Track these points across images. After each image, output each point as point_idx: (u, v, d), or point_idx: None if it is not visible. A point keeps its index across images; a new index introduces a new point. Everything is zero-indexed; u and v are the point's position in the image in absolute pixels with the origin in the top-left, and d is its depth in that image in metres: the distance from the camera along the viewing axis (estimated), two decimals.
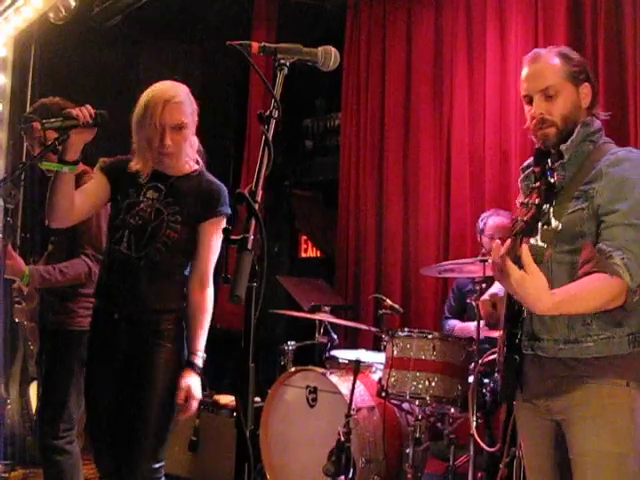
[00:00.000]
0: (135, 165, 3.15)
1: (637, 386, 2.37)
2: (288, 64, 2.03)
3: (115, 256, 3.12)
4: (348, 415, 4.08)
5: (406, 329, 4.26)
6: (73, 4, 5.60)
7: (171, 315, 3.08)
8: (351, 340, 5.90)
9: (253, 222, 1.69)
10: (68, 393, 3.71)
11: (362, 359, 4.39)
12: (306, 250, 8.00)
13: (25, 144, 5.75)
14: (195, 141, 3.19)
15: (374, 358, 4.73)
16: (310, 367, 4.60)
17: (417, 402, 4.08)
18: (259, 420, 4.65)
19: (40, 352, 4.05)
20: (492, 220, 4.72)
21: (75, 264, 3.71)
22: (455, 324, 4.88)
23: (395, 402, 4.33)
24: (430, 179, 5.88)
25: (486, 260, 4.02)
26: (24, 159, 5.72)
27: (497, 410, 4.44)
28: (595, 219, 2.38)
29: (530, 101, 2.54)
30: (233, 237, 1.69)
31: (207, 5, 6.49)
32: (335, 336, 4.92)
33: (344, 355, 4.79)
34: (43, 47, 6.19)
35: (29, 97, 6.05)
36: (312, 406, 4.52)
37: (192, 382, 3.00)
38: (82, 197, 3.12)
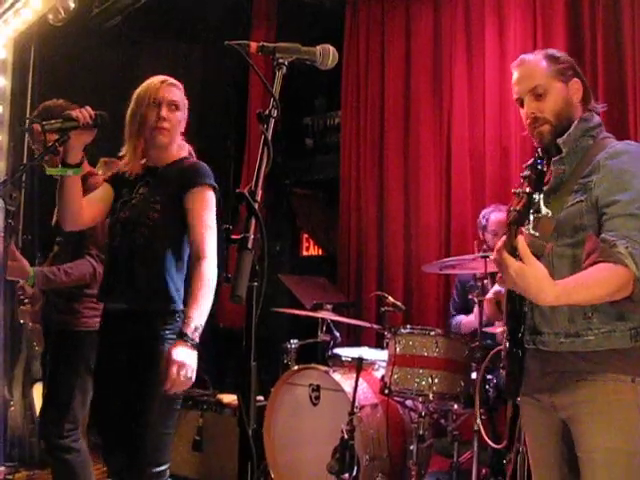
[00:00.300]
0: (124, 164, 3.21)
1: None
2: (287, 63, 2.03)
3: (110, 252, 3.18)
4: (351, 413, 4.08)
5: (408, 326, 4.26)
6: (72, 5, 5.60)
7: (167, 305, 3.03)
8: (353, 338, 5.91)
9: (253, 221, 1.69)
10: (73, 394, 3.71)
11: (365, 357, 4.39)
12: (307, 248, 8.01)
13: (25, 146, 5.78)
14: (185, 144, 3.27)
15: (377, 355, 4.73)
16: (313, 365, 4.60)
17: (420, 399, 4.08)
18: (262, 419, 4.65)
19: (45, 353, 4.05)
20: (494, 216, 4.72)
21: (80, 264, 3.72)
22: (461, 319, 4.88)
23: (398, 399, 4.33)
24: (430, 175, 5.89)
25: (487, 256, 4.02)
26: (25, 161, 5.74)
27: (501, 406, 4.45)
28: (595, 211, 2.38)
29: (523, 104, 2.59)
30: (233, 237, 1.70)
31: (206, 5, 6.49)
32: (337, 334, 4.93)
33: (347, 353, 4.80)
34: (43, 49, 6.19)
35: (29, 99, 6.06)
36: (315, 404, 4.52)
37: (181, 354, 2.83)
38: (91, 203, 3.20)
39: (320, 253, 7.93)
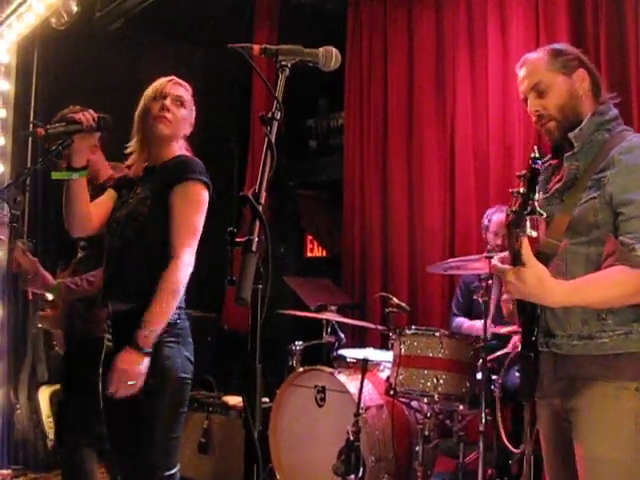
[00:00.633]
0: (132, 160, 3.18)
1: None
2: (289, 65, 2.03)
3: (107, 251, 3.12)
4: (357, 414, 4.07)
5: (413, 327, 4.25)
6: (75, 9, 5.60)
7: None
8: (358, 339, 5.91)
9: (257, 224, 1.69)
10: (92, 400, 3.70)
11: (370, 358, 4.39)
12: (312, 250, 8.01)
13: (29, 150, 5.78)
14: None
15: (382, 356, 4.73)
16: (318, 367, 4.60)
17: (425, 400, 4.08)
18: (268, 420, 4.66)
19: (66, 357, 4.03)
20: (496, 217, 4.72)
21: (102, 272, 3.71)
22: (462, 322, 4.87)
23: (404, 400, 4.33)
24: (434, 176, 5.89)
25: (491, 257, 4.02)
26: (29, 165, 5.75)
27: (506, 407, 4.45)
28: (609, 208, 2.29)
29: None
30: (238, 239, 1.70)
31: (209, 7, 6.49)
32: (342, 335, 4.93)
33: (352, 354, 4.79)
34: (46, 52, 6.20)
35: (33, 103, 6.07)
36: (321, 406, 4.52)
37: (125, 362, 2.77)
38: (98, 208, 3.17)
39: (324, 254, 7.94)
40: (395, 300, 4.51)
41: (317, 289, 5.59)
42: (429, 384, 4.04)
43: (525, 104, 2.55)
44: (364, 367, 4.22)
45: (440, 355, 4.06)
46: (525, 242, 2.08)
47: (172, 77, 3.17)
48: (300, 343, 4.93)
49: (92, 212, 3.13)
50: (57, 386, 5.73)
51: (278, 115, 1.90)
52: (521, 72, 2.55)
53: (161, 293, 2.83)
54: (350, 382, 4.36)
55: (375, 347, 5.17)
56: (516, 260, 2.13)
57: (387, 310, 4.55)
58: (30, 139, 5.50)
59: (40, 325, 3.85)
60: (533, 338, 2.41)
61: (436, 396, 4.01)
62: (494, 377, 4.25)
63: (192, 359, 3.00)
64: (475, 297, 4.29)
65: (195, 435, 5.04)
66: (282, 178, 7.45)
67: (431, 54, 6.00)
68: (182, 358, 2.95)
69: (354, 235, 6.48)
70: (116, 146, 3.41)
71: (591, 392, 2.30)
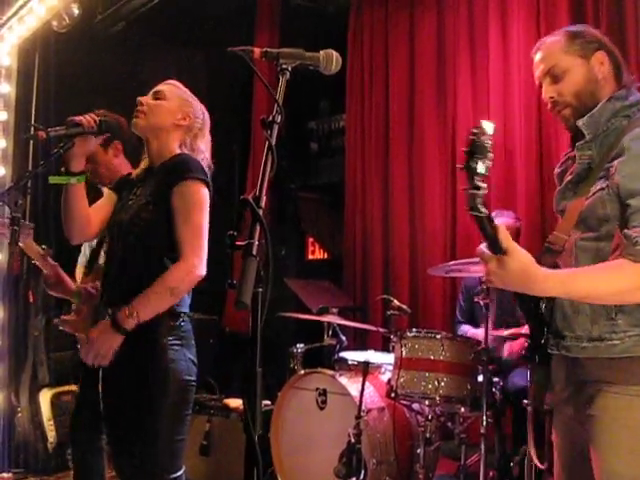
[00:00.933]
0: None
1: None
2: (290, 69, 2.03)
3: (107, 254, 3.12)
4: (358, 416, 4.07)
5: (414, 329, 4.25)
6: (76, 12, 5.61)
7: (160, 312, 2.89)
8: (360, 341, 5.90)
9: (257, 228, 1.69)
10: None
11: (371, 360, 4.39)
12: (313, 252, 8.01)
13: (30, 152, 5.79)
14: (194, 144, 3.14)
15: (383, 359, 4.73)
16: (319, 369, 4.60)
17: (427, 402, 4.08)
18: (269, 423, 4.66)
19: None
20: (497, 220, 4.70)
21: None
22: (467, 331, 4.87)
23: (405, 402, 4.33)
24: (436, 179, 5.89)
25: None
26: (30, 167, 5.75)
27: (507, 409, 4.45)
28: (618, 200, 2.11)
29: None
30: (238, 243, 1.70)
31: (210, 10, 6.50)
32: (344, 338, 4.92)
33: (353, 357, 4.79)
34: (47, 55, 6.21)
35: (34, 105, 6.07)
36: (322, 408, 4.52)
37: (95, 332, 2.81)
38: (97, 212, 3.15)
39: (326, 257, 7.94)
40: (396, 302, 4.50)
41: (318, 291, 5.59)
42: (430, 386, 4.03)
43: (540, 90, 2.39)
44: (365, 370, 4.22)
45: (441, 357, 4.06)
46: (502, 228, 1.97)
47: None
48: (301, 346, 4.93)
49: (91, 217, 3.11)
50: (58, 389, 5.74)
51: (278, 118, 1.90)
52: (536, 56, 2.40)
53: (158, 285, 2.81)
54: (351, 385, 4.36)
55: (376, 349, 5.17)
56: (495, 248, 1.99)
57: (388, 312, 4.55)
58: (31, 142, 5.49)
59: (61, 328, 3.83)
60: (542, 341, 2.29)
61: (437, 398, 4.01)
62: (495, 379, 4.25)
63: (196, 361, 2.99)
64: (476, 300, 4.28)
65: (196, 437, 5.04)
66: (283, 180, 7.45)
67: (432, 57, 6.00)
68: (186, 361, 2.94)
69: (355, 237, 6.48)
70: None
71: (604, 402, 2.14)
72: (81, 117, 2.96)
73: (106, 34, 6.65)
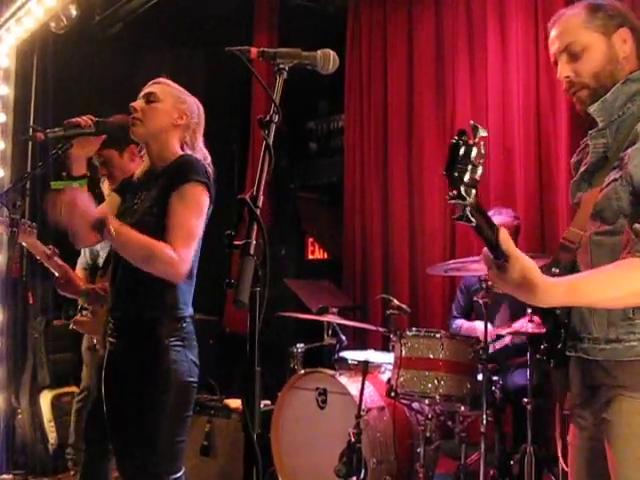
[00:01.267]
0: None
1: None
2: (287, 68, 2.03)
3: (112, 259, 3.10)
4: (358, 416, 4.08)
5: (414, 329, 4.25)
6: (74, 13, 5.62)
7: (168, 312, 2.91)
8: (360, 341, 5.90)
9: (255, 227, 1.70)
10: None
11: (371, 360, 4.39)
12: (313, 252, 8.02)
13: (29, 154, 5.79)
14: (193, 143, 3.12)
15: (383, 358, 4.72)
16: (319, 369, 4.60)
17: (427, 401, 4.08)
18: (270, 423, 4.66)
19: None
20: (495, 219, 4.70)
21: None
22: (462, 324, 4.87)
23: (405, 402, 4.32)
24: (435, 178, 5.88)
25: None
26: (28, 169, 5.76)
27: (507, 407, 4.45)
28: (631, 191, 1.95)
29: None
30: (236, 242, 1.70)
31: (208, 10, 6.50)
32: (344, 337, 4.92)
33: (353, 356, 4.79)
34: (45, 56, 6.21)
35: (32, 107, 6.08)
36: (322, 408, 4.52)
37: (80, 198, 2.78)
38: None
39: (325, 257, 7.94)
40: (396, 302, 4.50)
41: (318, 291, 5.59)
42: (430, 385, 4.03)
43: (555, 66, 2.19)
44: (365, 369, 4.22)
45: (441, 356, 4.06)
46: (503, 232, 1.79)
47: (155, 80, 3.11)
48: (301, 345, 4.93)
49: None
50: (58, 390, 5.75)
51: (276, 118, 1.90)
52: (553, 31, 2.22)
53: (149, 244, 2.76)
54: (351, 384, 4.36)
55: (376, 349, 5.16)
56: (496, 253, 1.82)
57: (388, 312, 4.54)
58: (30, 143, 5.50)
59: (74, 329, 3.83)
60: (559, 341, 2.14)
61: (437, 397, 4.01)
62: (495, 378, 4.25)
63: (197, 362, 2.98)
64: (475, 298, 4.28)
65: (197, 438, 5.04)
66: (282, 180, 7.45)
67: (431, 56, 6.00)
68: (188, 362, 2.93)
69: (355, 237, 6.48)
70: None
71: (620, 406, 2.01)
72: (78, 119, 2.96)
73: (104, 35, 6.65)
